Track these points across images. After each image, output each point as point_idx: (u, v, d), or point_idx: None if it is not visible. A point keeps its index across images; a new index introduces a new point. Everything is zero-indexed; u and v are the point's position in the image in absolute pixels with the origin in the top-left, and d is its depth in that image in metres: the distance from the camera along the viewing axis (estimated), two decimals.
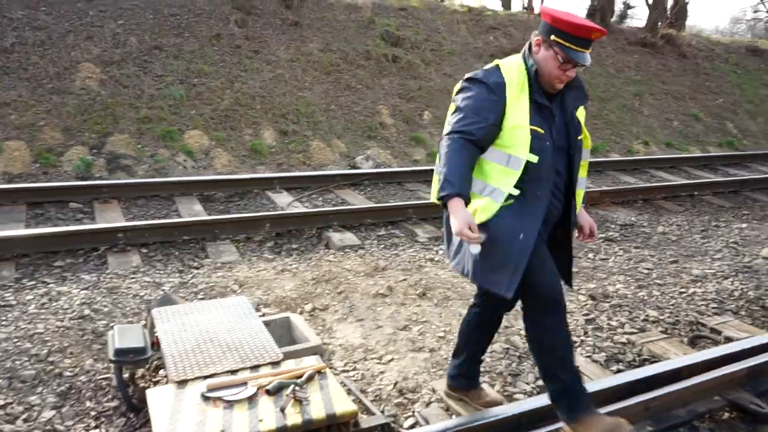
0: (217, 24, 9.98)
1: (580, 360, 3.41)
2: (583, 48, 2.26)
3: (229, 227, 5.26)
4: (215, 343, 2.76)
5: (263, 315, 3.68)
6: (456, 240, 2.50)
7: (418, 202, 6.32)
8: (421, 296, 4.22)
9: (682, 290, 4.60)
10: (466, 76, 2.42)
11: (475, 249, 2.26)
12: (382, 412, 2.87)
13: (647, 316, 4.11)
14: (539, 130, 2.30)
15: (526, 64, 2.38)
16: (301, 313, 3.87)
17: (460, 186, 2.19)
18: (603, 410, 2.53)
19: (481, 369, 2.93)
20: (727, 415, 2.98)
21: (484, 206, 2.34)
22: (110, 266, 4.50)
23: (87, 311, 3.73)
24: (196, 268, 4.58)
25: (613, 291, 4.50)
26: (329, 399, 2.35)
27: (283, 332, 3.39)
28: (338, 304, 4.04)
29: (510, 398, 3.03)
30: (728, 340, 3.75)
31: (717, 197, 7.86)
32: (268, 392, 2.36)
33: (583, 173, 2.54)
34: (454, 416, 2.79)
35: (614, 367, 3.43)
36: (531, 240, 2.31)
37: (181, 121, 8.01)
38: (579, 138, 2.46)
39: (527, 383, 3.19)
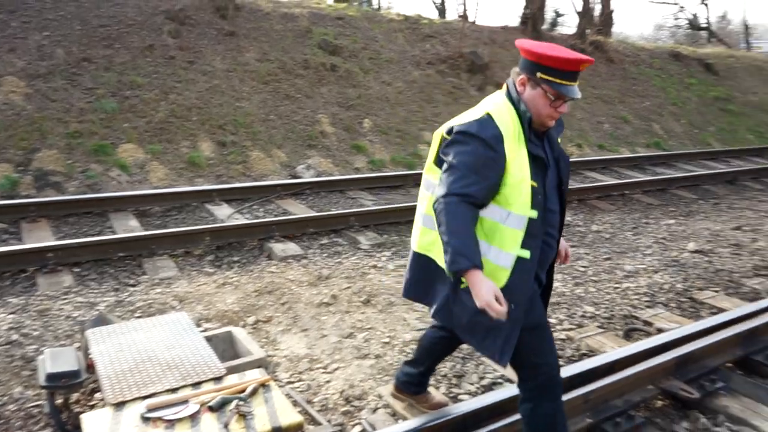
0: (149, 35, 9.73)
1: None
2: (572, 81, 2.10)
3: (166, 242, 5.12)
4: (154, 361, 2.68)
5: (205, 330, 3.60)
6: (437, 288, 2.36)
7: (360, 209, 6.32)
8: (365, 303, 4.22)
9: (616, 286, 4.79)
10: (457, 128, 2.16)
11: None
12: (329, 421, 2.86)
13: (584, 312, 4.26)
14: (535, 184, 2.14)
15: (517, 110, 2.17)
16: (243, 326, 3.81)
17: (473, 257, 2.01)
18: None
19: None
20: (660, 402, 3.13)
21: (493, 274, 2.14)
22: (40, 288, 4.30)
23: (15, 336, 3.55)
24: (133, 286, 4.44)
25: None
26: (274, 412, 2.32)
27: (225, 347, 3.32)
28: (282, 315, 4.00)
29: (455, 399, 3.08)
30: (660, 331, 3.93)
31: (646, 195, 8.24)
32: (210, 409, 2.31)
33: None
34: (400, 421, 2.80)
35: None
36: (521, 311, 2.19)
37: (113, 134, 7.75)
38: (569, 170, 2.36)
39: (471, 384, 3.25)
